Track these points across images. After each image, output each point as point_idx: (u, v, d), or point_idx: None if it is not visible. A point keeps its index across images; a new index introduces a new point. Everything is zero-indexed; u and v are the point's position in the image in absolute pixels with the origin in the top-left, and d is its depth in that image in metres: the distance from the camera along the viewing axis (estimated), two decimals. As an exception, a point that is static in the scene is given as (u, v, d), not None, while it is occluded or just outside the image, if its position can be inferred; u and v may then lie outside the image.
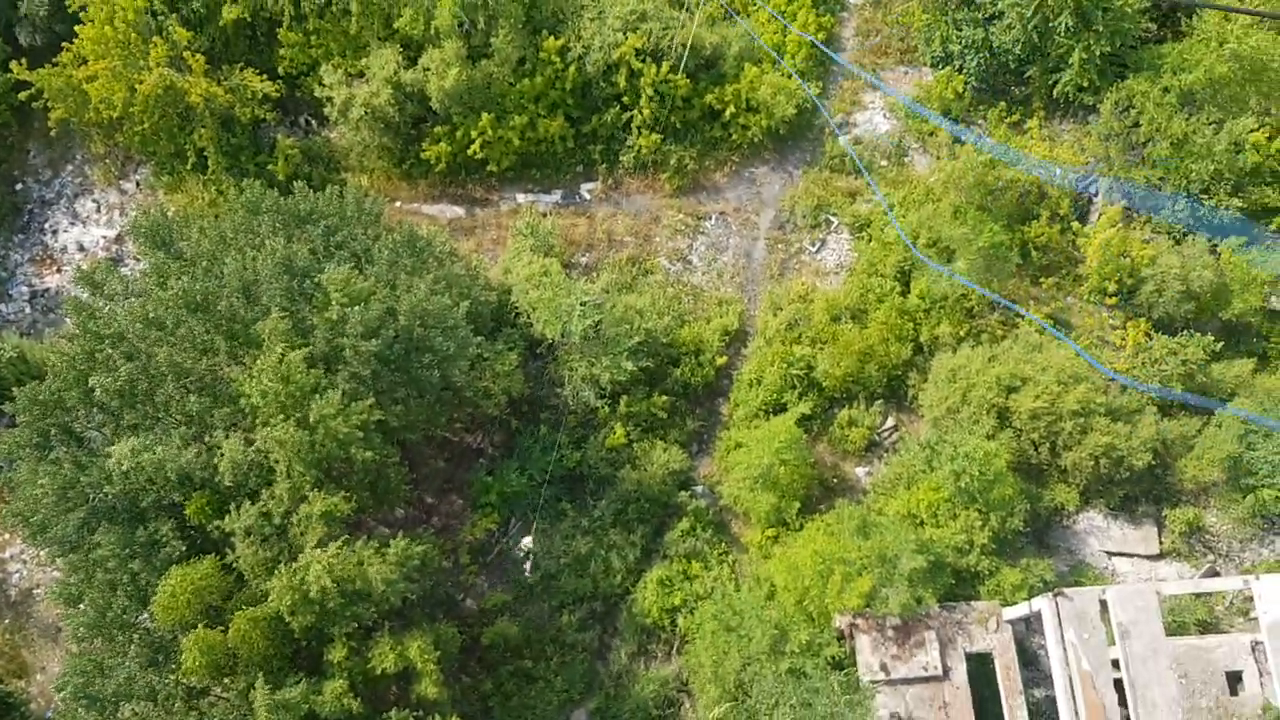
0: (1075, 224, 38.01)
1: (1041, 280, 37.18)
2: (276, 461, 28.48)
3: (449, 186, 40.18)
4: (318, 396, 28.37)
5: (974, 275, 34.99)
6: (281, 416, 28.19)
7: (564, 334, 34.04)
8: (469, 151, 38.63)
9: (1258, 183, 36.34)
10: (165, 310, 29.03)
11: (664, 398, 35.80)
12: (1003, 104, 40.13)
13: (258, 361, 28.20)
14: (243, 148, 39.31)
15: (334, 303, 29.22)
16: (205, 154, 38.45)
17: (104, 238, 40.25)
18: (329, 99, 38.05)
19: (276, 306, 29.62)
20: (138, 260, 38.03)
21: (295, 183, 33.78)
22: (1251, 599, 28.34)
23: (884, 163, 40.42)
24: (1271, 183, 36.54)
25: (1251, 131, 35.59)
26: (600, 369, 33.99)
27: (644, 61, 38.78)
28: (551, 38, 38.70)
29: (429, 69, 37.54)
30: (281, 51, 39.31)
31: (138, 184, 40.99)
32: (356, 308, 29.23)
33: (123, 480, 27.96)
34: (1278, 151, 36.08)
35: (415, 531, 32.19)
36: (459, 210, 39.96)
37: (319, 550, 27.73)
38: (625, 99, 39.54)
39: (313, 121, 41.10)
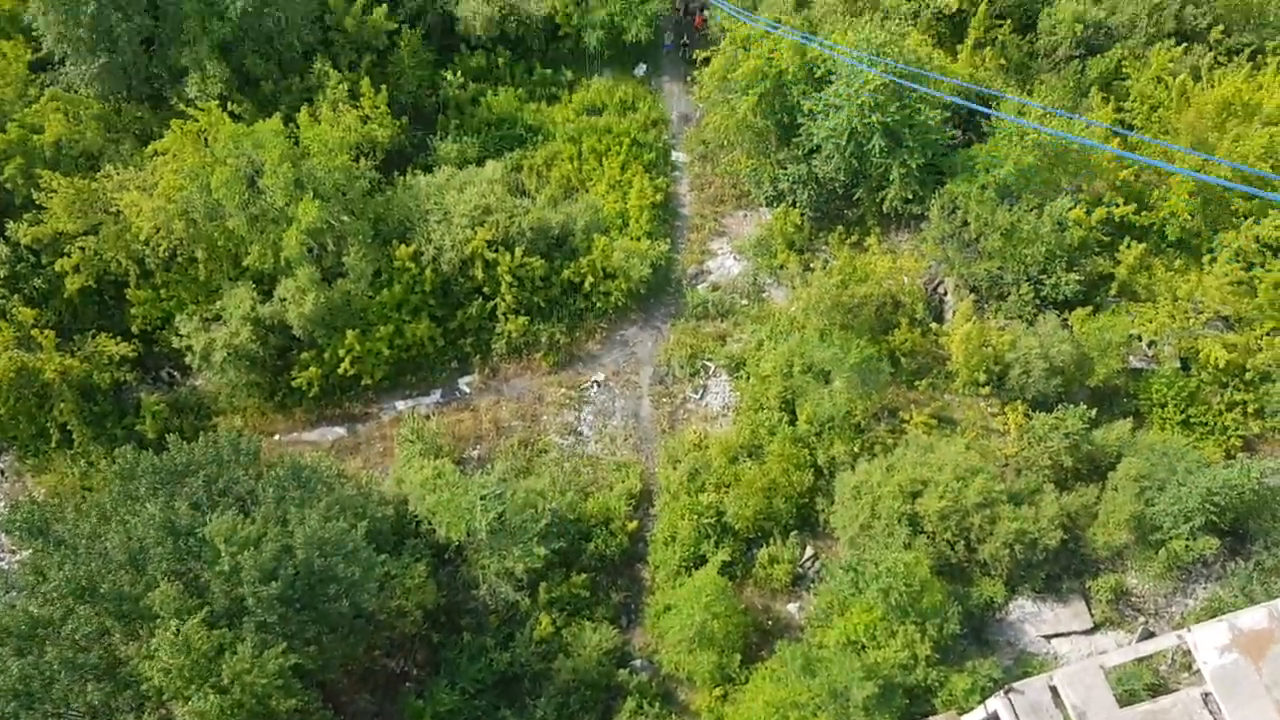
0: (934, 325, 39.77)
1: (916, 384, 38.51)
2: (198, 733, 26.87)
3: (326, 409, 39.70)
4: (227, 655, 27.08)
5: (851, 389, 36.08)
6: (193, 687, 26.76)
7: (469, 533, 33.44)
8: (340, 370, 38.41)
9: (1088, 254, 38.83)
10: (50, 605, 27.55)
11: (583, 576, 35.27)
12: (840, 227, 42.21)
13: (154, 638, 26.83)
14: (107, 414, 38.22)
15: (223, 554, 28.23)
16: (69, 428, 37.22)
17: (-30, 533, 38.19)
18: (188, 348, 37.55)
19: (164, 573, 28.46)
20: (13, 552, 36.17)
21: (167, 437, 32.92)
22: (1190, 652, 28.83)
23: (744, 302, 41.80)
24: (1099, 252, 39.10)
25: (1070, 209, 38.13)
26: (513, 560, 33.40)
27: (497, 251, 39.66)
28: (403, 245, 39.33)
29: (285, 299, 37.58)
30: (133, 310, 38.82)
31: (2, 472, 39.28)
32: (248, 553, 28.29)
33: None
34: (1098, 222, 38.68)
35: (354, 776, 30.54)
36: (340, 430, 39.43)
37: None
38: (486, 289, 40.18)
39: (175, 373, 40.36)
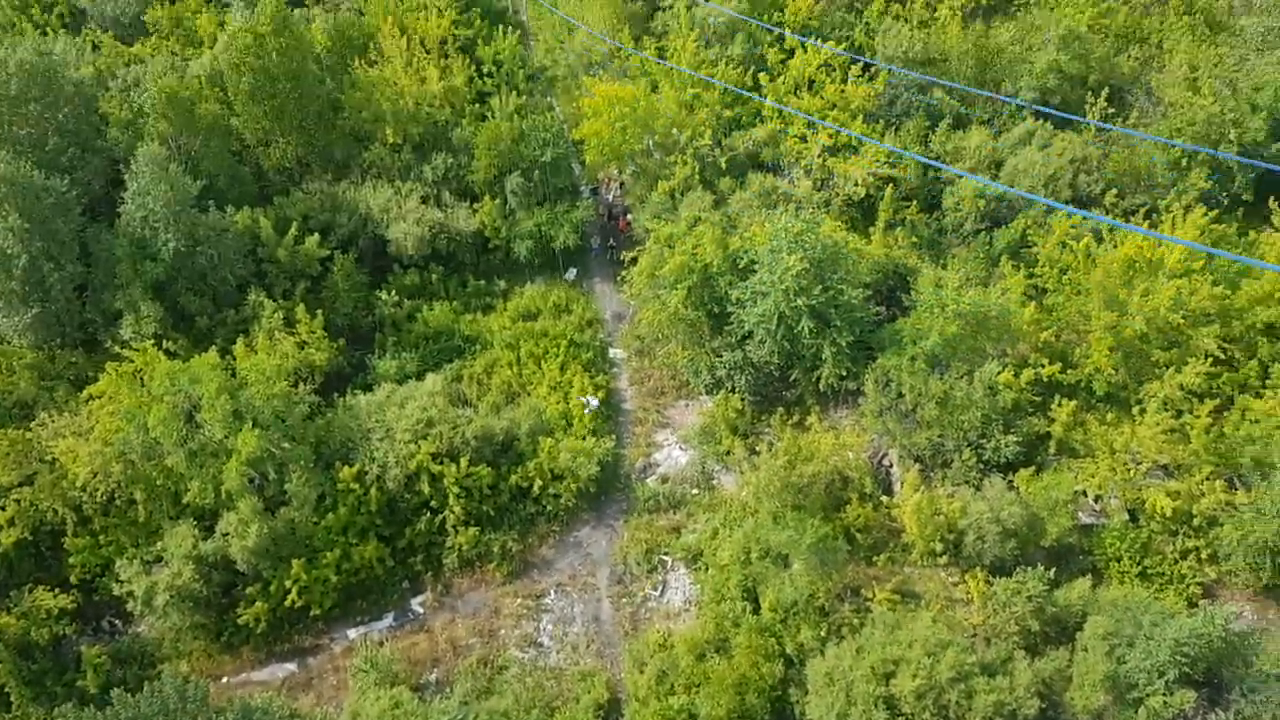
0: (884, 498, 40.00)
1: (875, 560, 38.34)
2: None
3: (274, 645, 38.16)
4: None
5: (811, 571, 35.78)
6: None
7: (434, 765, 31.92)
8: (287, 603, 37.23)
9: (1022, 415, 39.72)
10: None
11: (555, 797, 33.66)
12: (781, 409, 42.84)
13: None
14: (45, 672, 36.34)
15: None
16: (5, 690, 35.23)
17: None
18: (129, 593, 36.25)
19: None
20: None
21: (111, 692, 31.31)
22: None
23: (695, 491, 41.78)
24: (1033, 412, 40.05)
25: (998, 373, 39.20)
26: (481, 790, 31.82)
27: (442, 463, 39.44)
28: (346, 467, 39.00)
29: (228, 533, 36.74)
30: (71, 559, 37.68)
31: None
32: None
33: None
34: (1027, 383, 39.74)
35: None
36: (290, 667, 37.82)
37: None
38: (433, 503, 39.74)
39: (117, 621, 38.72)
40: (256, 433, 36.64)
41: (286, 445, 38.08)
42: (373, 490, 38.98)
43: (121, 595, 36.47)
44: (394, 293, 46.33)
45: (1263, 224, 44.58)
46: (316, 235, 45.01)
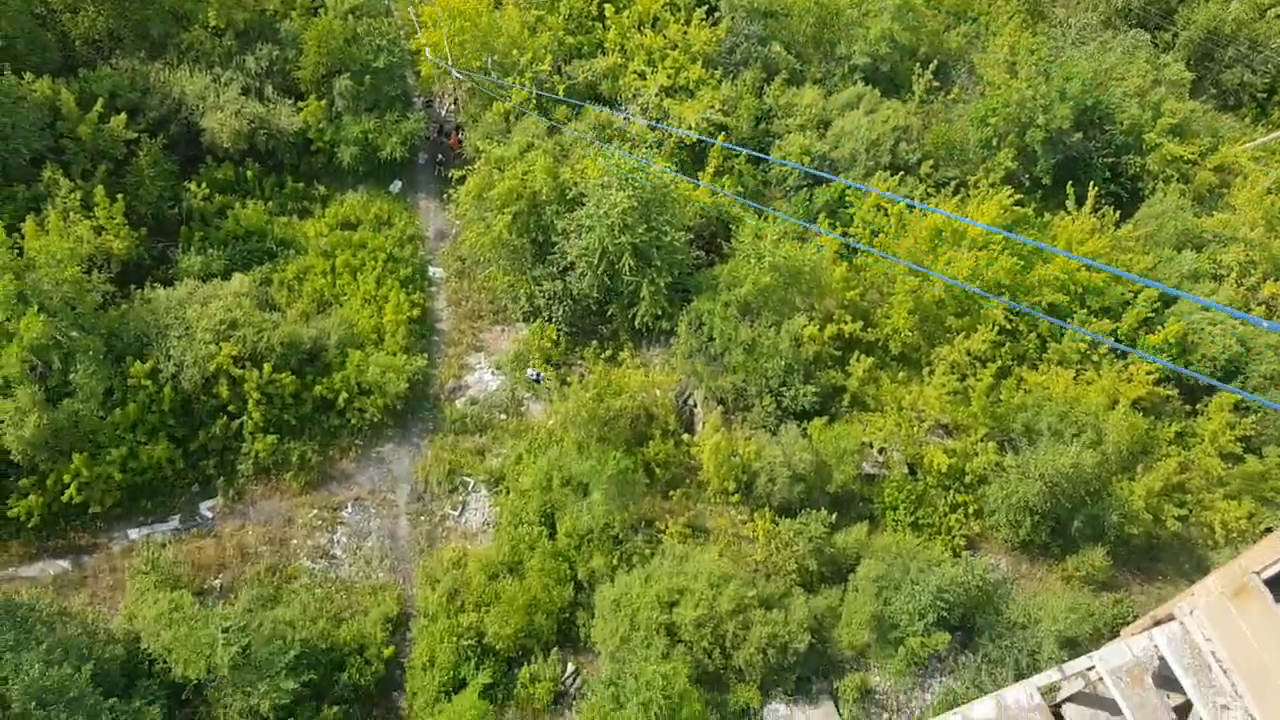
0: (685, 436, 41.27)
1: (671, 494, 39.65)
2: None
3: (47, 540, 36.34)
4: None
5: (609, 502, 36.70)
6: None
7: (210, 670, 31.24)
8: (64, 498, 35.44)
9: (822, 368, 41.58)
10: None
11: (335, 708, 33.55)
12: (595, 342, 43.41)
13: None
14: None
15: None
16: None
17: None
18: (-118, 476, 33.78)
19: None
20: None
21: None
22: (928, 745, 30.70)
23: (503, 416, 41.98)
24: (832, 365, 41.96)
25: (804, 327, 40.84)
26: (258, 697, 31.45)
27: (244, 367, 38.17)
28: (139, 362, 37.22)
29: (3, 421, 34.52)
30: None
31: None
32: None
33: None
34: (829, 338, 41.58)
35: None
36: (63, 564, 36.17)
37: None
38: (231, 407, 38.43)
39: None
40: (42, 318, 34.48)
41: (75, 334, 36.02)
42: (166, 389, 37.39)
43: (-126, 476, 33.97)
44: (205, 185, 43.99)
45: (1058, 208, 47.72)
46: (124, 115, 42.14)
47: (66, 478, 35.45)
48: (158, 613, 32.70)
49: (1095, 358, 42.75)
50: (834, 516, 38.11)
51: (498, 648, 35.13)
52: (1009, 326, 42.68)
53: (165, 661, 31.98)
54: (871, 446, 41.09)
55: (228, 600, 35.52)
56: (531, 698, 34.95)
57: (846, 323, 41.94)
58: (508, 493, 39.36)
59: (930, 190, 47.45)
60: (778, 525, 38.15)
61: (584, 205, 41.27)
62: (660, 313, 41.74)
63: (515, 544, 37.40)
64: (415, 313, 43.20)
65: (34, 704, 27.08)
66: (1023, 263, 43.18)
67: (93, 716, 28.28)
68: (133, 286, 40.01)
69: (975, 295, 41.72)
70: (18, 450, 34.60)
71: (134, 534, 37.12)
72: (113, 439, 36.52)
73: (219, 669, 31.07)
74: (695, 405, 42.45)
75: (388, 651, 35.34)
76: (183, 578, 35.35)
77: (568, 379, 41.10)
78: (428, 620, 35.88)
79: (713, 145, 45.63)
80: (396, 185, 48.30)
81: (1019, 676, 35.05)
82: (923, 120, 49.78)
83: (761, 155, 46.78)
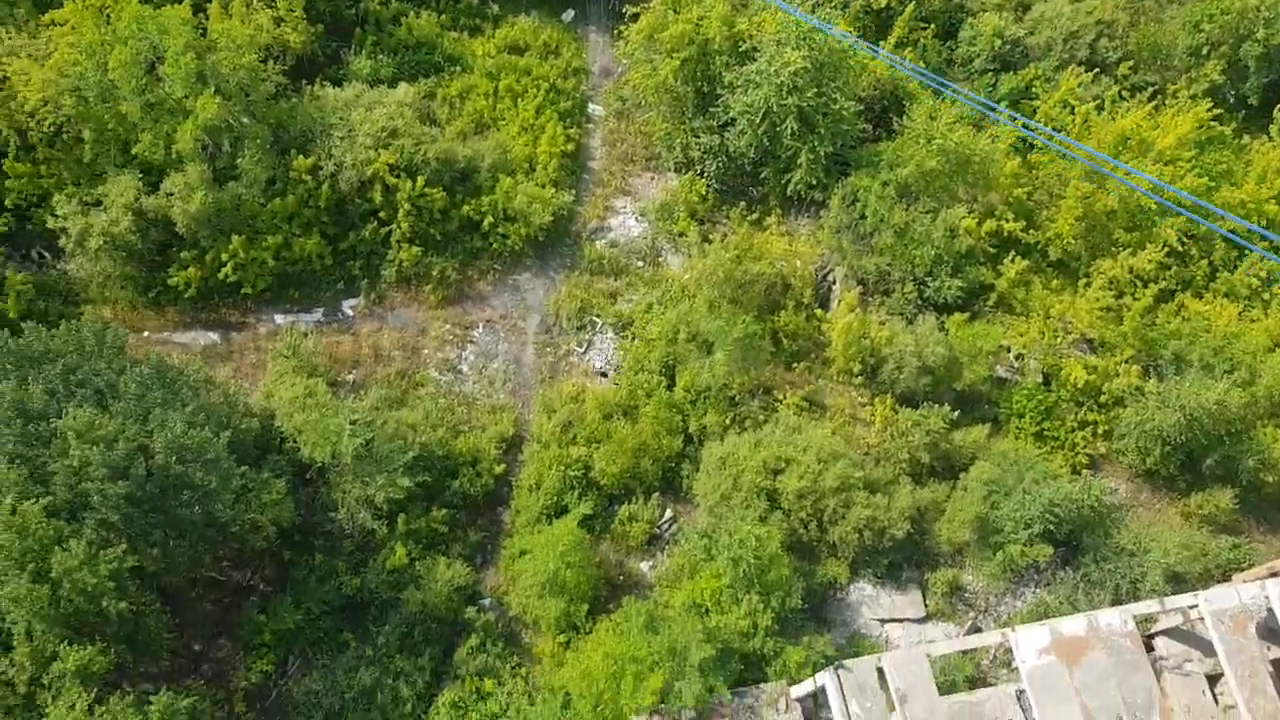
0: (818, 311, 40.71)
1: (794, 366, 39.43)
2: (14, 623, 26.29)
3: (201, 312, 38.68)
4: (59, 548, 26.46)
5: (731, 363, 36.74)
6: (17, 571, 26.12)
7: (334, 456, 33.13)
8: (220, 275, 37.47)
9: (973, 263, 40.14)
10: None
11: (443, 511, 35.35)
12: (743, 203, 42.72)
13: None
14: (-37, 288, 36.54)
15: (73, 449, 27.46)
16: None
17: None
18: (63, 229, 36.06)
19: (8, 454, 27.61)
20: None
21: (26, 322, 31.65)
22: (1011, 651, 30.48)
23: (640, 264, 42.08)
24: (985, 262, 40.48)
25: (962, 218, 39.31)
26: (375, 489, 33.25)
27: (399, 177, 39.01)
28: (301, 157, 38.39)
29: (173, 194, 36.35)
30: (8, 183, 37.03)
31: None
32: (98, 449, 27.56)
33: None
34: (987, 234, 40.02)
35: (182, 683, 30.20)
36: (213, 336, 38.48)
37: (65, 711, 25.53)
38: (382, 214, 39.54)
39: (46, 254, 38.68)
40: (218, 100, 35.70)
41: (246, 120, 37.30)
42: (325, 186, 38.58)
43: (55, 230, 36.26)
44: (384, -12, 44.29)
45: (1260, 132, 44.18)
46: (312, -93, 42.46)
47: (224, 256, 37.31)
48: (293, 395, 34.58)
49: (1266, 296, 40.14)
50: (956, 414, 37.35)
51: (602, 483, 36.14)
52: (1180, 249, 40.24)
53: (295, 442, 34.01)
54: (1009, 350, 39.86)
55: (358, 395, 37.28)
56: (627, 535, 36.04)
57: (1008, 220, 40.20)
58: (633, 339, 39.76)
59: (1124, 93, 44.33)
60: (897, 414, 37.64)
61: (755, 60, 39.97)
62: (815, 182, 40.66)
63: (633, 389, 37.96)
64: (569, 147, 43.13)
65: (174, 459, 29.16)
66: (1212, 183, 40.34)
67: (225, 479, 30.34)
68: (304, 82, 41.01)
69: (1149, 211, 39.33)
70: (183, 224, 36.48)
71: (280, 319, 39.07)
72: (270, 226, 38.10)
73: (343, 456, 32.86)
74: (834, 282, 41.69)
75: (499, 469, 36.73)
76: (319, 367, 37.13)
77: (710, 236, 40.70)
78: (540, 446, 37.04)
79: (900, 14, 43.38)
80: (569, 15, 47.64)
81: (1116, 602, 34.40)
82: (1130, 17, 46.04)
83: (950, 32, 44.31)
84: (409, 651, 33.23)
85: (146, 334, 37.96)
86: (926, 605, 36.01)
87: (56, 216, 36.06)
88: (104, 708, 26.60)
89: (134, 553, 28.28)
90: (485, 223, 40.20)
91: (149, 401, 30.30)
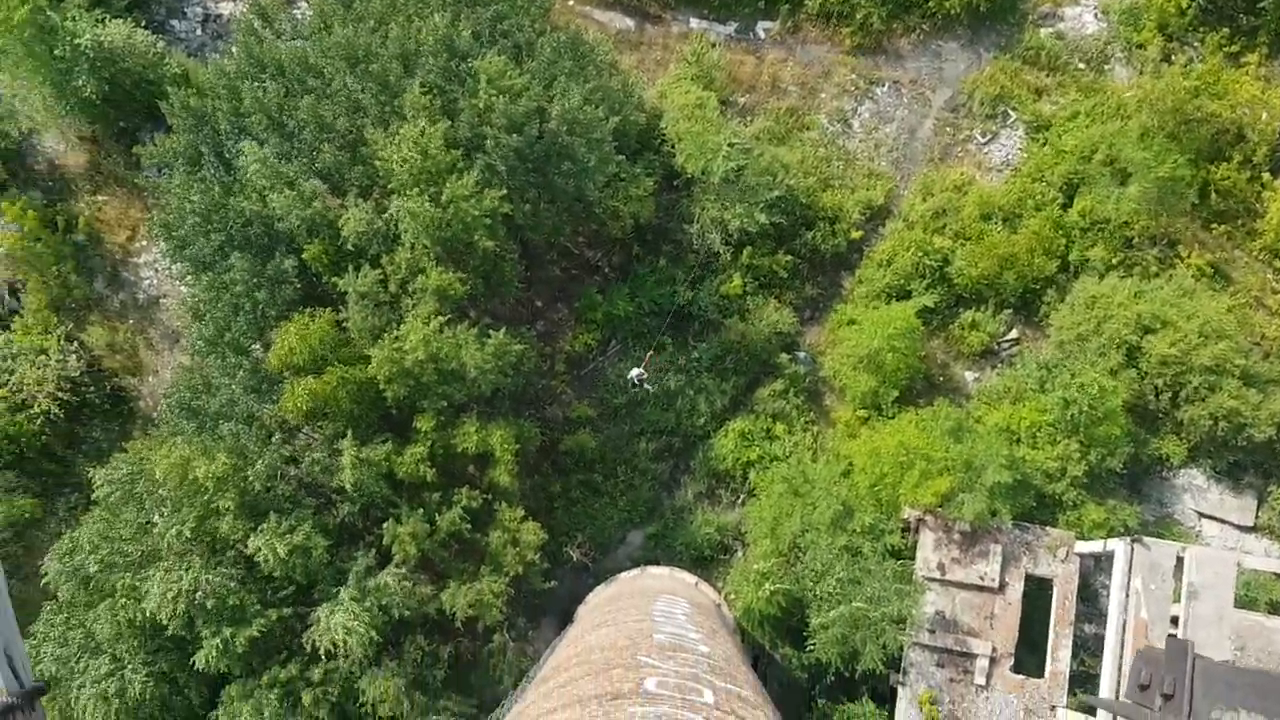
0: (1266, 176, 35.30)
1: (1213, 226, 34.88)
2: (404, 231, 29.14)
3: (625, -2, 39.14)
4: (453, 176, 28.68)
5: (1144, 202, 33.03)
6: (416, 189, 28.66)
7: (704, 172, 33.35)
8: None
9: None
10: (324, 59, 29.38)
11: (788, 258, 35.19)
12: (1226, 30, 36.82)
13: (401, 130, 28.53)
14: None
15: (483, 90, 29.16)
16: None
17: (284, -23, 40.49)
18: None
19: (426, 84, 29.76)
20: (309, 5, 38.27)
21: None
22: (1333, 594, 27.29)
23: (1081, 66, 37.84)
24: None
25: None
26: (732, 215, 33.42)
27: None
28: None
29: None
30: None
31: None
32: (504, 99, 29.12)
33: (259, 199, 29.00)
34: None
35: (518, 329, 32.84)
36: (629, 22, 38.94)
37: (421, 323, 28.46)
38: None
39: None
40: None
41: None
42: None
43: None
44: None
45: None
46: None
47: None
48: (684, 102, 34.71)
49: None
50: (1387, 337, 32.09)
51: (955, 281, 34.46)
52: None
53: (673, 147, 34.48)
54: None
55: (744, 120, 36.97)
56: (962, 339, 34.55)
57: None
58: (1044, 144, 36.40)
59: None
60: (1313, 312, 32.85)
61: None
62: (1325, 24, 34.29)
63: (1024, 197, 35.15)
64: (1047, -83, 38.48)
65: (565, 128, 30.41)
66: None
67: (603, 161, 31.42)
68: None
69: None
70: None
71: (695, 23, 38.82)
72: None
73: (712, 174, 33.00)
74: (1299, 147, 35.78)
75: (855, 234, 35.81)
76: (716, 81, 36.85)
77: (1173, 56, 35.71)
78: (904, 225, 35.59)
79: None
80: None
81: None
82: None
83: None
84: (717, 373, 34.38)
85: (571, 2, 38.95)
86: (1257, 516, 32.54)
87: None
88: (451, 330, 29.51)
89: (509, 202, 30.31)
90: (936, -29, 37.22)
91: (557, 69, 31.42)
